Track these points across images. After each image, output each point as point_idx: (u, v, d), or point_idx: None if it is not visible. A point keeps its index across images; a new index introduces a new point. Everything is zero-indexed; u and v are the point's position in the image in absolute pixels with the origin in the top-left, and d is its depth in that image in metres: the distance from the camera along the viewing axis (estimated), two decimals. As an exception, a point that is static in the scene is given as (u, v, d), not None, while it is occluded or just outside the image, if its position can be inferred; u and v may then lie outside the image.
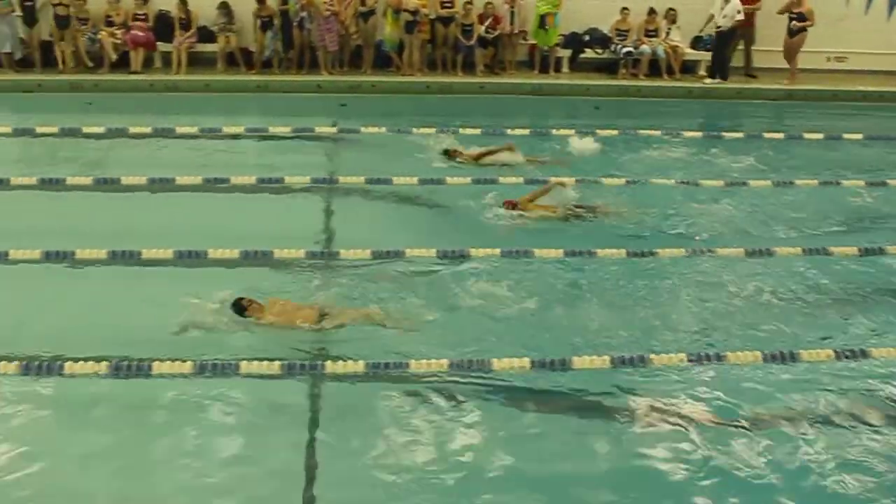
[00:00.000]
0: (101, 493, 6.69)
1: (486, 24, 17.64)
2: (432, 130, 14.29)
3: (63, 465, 6.94)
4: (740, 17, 17.46)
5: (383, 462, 6.93)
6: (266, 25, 17.23)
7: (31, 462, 6.89)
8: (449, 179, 12.19)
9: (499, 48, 18.11)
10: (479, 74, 17.87)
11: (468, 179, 12.23)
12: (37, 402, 7.59)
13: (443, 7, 17.67)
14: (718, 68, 18.09)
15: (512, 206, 11.23)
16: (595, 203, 11.58)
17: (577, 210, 11.39)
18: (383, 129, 14.30)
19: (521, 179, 12.28)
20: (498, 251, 10.06)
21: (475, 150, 13.22)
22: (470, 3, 17.45)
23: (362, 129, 14.31)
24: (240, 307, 8.58)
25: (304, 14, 17.10)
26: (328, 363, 7.97)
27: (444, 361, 7.96)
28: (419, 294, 9.24)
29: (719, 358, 8.22)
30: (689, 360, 8.17)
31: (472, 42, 17.64)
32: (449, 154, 13.13)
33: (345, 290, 9.31)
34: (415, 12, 17.25)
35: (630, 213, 11.51)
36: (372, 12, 17.43)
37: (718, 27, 17.73)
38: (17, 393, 7.62)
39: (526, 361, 8.02)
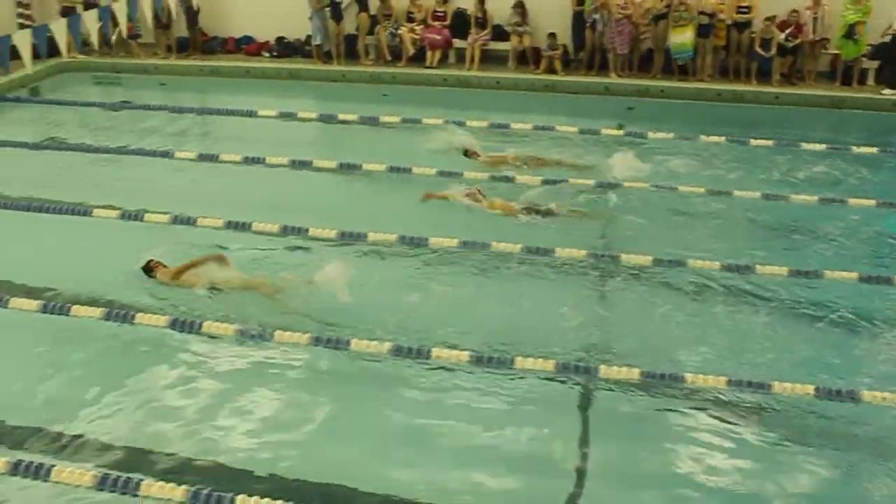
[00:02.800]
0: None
1: (787, 31, 16.85)
2: (721, 139, 13.86)
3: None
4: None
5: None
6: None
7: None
8: (738, 192, 11.77)
9: (798, 57, 17.25)
10: (774, 84, 17.11)
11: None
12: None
13: (738, 12, 17.06)
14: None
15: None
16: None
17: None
18: (671, 136, 14.00)
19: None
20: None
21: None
22: (771, 18, 16.72)
23: (649, 134, 14.10)
24: (146, 269, 9.47)
25: (596, 16, 17.11)
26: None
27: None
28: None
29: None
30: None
31: (771, 52, 16.90)
32: (467, 154, 12.99)
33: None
34: (711, 15, 16.79)
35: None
36: (664, 16, 17.12)
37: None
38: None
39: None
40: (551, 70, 17.50)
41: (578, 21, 17.44)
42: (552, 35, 17.45)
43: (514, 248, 10.07)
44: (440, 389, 7.94)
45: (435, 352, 8.15)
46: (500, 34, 18.15)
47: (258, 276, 9.52)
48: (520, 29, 17.81)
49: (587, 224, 11.17)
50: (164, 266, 9.60)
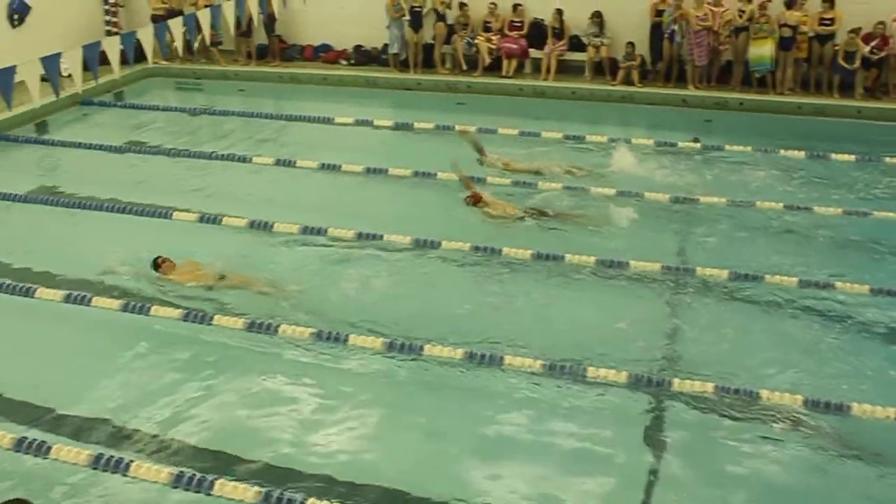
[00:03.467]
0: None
1: (873, 44, 16.46)
2: (801, 154, 13.60)
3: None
4: None
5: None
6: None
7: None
8: (818, 208, 11.54)
9: (883, 70, 16.83)
10: (857, 97, 16.72)
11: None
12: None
13: (821, 24, 16.73)
14: None
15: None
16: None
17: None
18: (748, 149, 13.79)
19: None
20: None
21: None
22: (855, 31, 16.36)
23: (727, 147, 13.90)
24: (154, 265, 9.78)
25: (674, 27, 16.96)
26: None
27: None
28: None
29: None
30: None
31: (855, 65, 16.52)
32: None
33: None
34: (794, 28, 16.49)
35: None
36: (745, 28, 16.87)
37: None
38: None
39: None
40: (628, 81, 17.37)
41: (656, 32, 17.29)
42: (630, 45, 17.32)
43: (589, 259, 10.06)
44: (511, 397, 7.94)
45: (507, 359, 8.18)
46: (576, 44, 18.08)
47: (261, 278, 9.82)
48: (596, 39, 17.72)
49: (658, 236, 11.07)
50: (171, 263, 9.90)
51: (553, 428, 7.53)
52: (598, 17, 17.71)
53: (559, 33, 17.89)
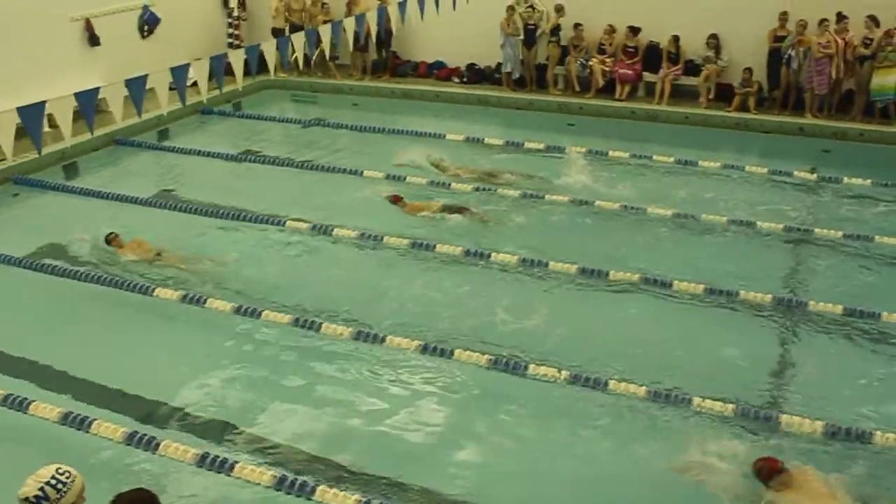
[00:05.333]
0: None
1: None
2: (927, 190, 13.16)
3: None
4: None
5: None
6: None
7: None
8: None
9: None
10: None
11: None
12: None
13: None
14: None
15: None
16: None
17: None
18: (868, 182, 13.38)
19: None
20: None
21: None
22: None
23: (845, 180, 13.52)
24: (106, 240, 11.11)
25: (792, 52, 16.58)
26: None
27: None
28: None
29: None
30: None
31: None
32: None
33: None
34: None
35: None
36: (870, 57, 16.36)
37: None
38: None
39: None
40: (743, 107, 17.05)
41: (774, 58, 16.92)
42: (747, 71, 17.01)
43: (698, 288, 9.94)
44: (614, 421, 7.90)
45: (612, 384, 8.14)
46: (692, 69, 17.84)
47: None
48: (712, 64, 17.45)
49: (769, 268, 10.84)
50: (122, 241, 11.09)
51: (653, 454, 7.43)
52: (714, 40, 17.43)
53: (674, 57, 17.68)
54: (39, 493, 4.21)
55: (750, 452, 7.22)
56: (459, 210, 12.17)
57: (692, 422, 7.80)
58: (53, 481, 4.25)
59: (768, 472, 6.75)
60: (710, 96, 17.48)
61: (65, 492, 4.27)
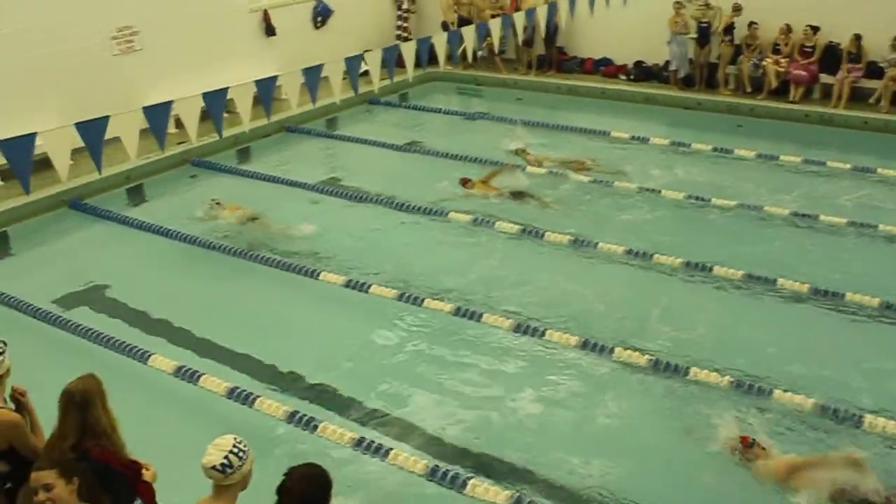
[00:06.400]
0: None
1: None
2: None
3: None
4: None
5: None
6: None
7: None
8: None
9: None
10: None
11: None
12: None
13: None
14: None
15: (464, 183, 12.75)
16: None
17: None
18: None
19: None
20: None
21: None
22: None
23: None
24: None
25: None
26: None
27: None
28: None
29: None
30: None
31: None
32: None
33: None
34: None
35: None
36: None
37: None
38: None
39: None
40: (928, 113, 16.12)
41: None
42: (935, 75, 16.08)
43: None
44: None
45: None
46: (873, 71, 16.96)
47: None
48: (896, 67, 16.57)
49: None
50: None
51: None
52: (900, 43, 16.55)
53: (855, 58, 16.87)
54: (224, 462, 4.47)
55: None
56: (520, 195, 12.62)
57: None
58: (235, 450, 4.50)
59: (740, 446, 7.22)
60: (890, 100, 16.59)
61: (245, 459, 4.54)
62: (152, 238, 11.63)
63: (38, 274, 11.03)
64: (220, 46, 16.56)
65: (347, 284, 10.07)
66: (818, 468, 6.84)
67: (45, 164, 10.42)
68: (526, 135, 15.15)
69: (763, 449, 7.15)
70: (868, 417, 7.60)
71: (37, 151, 9.75)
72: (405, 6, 20.95)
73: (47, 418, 5.32)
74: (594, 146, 15.06)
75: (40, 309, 9.60)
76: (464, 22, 18.50)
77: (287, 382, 8.47)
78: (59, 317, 9.46)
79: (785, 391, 7.94)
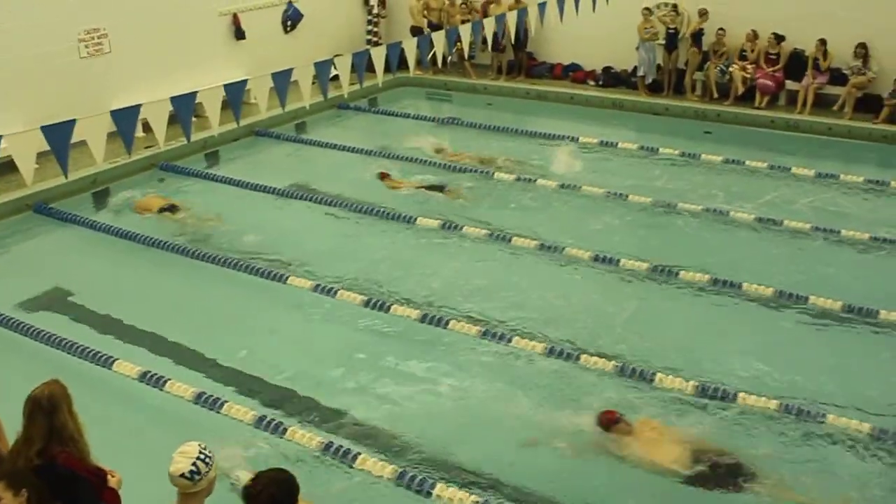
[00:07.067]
0: None
1: None
2: None
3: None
4: None
5: None
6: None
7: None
8: None
9: None
10: None
11: None
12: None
13: None
14: None
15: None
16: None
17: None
18: None
19: None
20: None
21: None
22: None
23: None
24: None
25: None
26: None
27: None
28: None
29: None
30: None
31: None
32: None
33: None
34: None
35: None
36: None
37: None
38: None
39: None
40: (892, 119, 16.32)
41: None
42: (899, 81, 16.30)
43: (835, 304, 9.64)
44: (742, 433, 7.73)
45: (741, 396, 8.04)
46: (837, 78, 17.18)
47: None
48: (860, 74, 16.76)
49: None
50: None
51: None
52: (862, 49, 16.74)
53: (819, 65, 17.07)
54: (193, 469, 4.47)
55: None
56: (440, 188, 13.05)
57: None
58: (202, 456, 4.51)
59: (607, 422, 7.51)
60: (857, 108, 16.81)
61: (211, 465, 4.53)
62: (118, 242, 11.55)
63: (0, 279, 10.91)
64: (190, 49, 16.49)
65: (315, 289, 10.06)
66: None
67: (9, 167, 10.28)
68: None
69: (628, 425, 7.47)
70: (831, 417, 7.75)
71: (1, 154, 9.65)
72: (376, 11, 20.96)
73: (11, 425, 5.26)
74: (559, 152, 15.12)
75: (2, 314, 9.49)
76: (435, 28, 18.53)
77: (255, 386, 8.43)
78: (22, 322, 9.35)
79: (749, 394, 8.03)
